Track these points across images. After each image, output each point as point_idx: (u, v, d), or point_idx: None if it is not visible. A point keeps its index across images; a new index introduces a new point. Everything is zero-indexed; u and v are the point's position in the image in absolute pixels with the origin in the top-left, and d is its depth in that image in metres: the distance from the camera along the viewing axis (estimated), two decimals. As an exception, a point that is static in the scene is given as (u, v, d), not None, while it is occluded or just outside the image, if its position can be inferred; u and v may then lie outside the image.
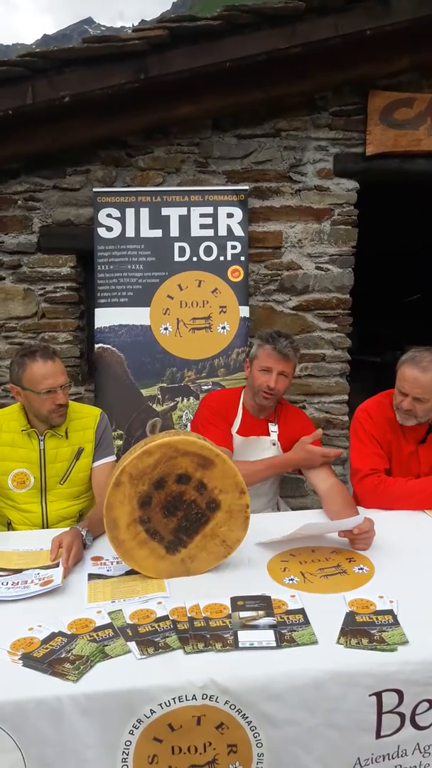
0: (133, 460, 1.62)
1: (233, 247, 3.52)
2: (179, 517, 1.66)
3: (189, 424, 3.39)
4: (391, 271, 8.23)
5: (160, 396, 3.45)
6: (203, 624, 1.44)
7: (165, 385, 3.45)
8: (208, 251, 3.50)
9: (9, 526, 2.22)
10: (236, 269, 3.51)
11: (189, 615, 1.48)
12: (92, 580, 1.69)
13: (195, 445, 1.64)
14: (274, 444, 2.43)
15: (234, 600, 1.54)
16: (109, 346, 3.45)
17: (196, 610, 1.50)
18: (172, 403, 3.46)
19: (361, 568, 1.72)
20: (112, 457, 2.28)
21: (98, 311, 3.47)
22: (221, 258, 3.51)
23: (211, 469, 1.66)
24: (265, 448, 2.44)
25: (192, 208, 3.49)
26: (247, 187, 3.55)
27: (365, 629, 1.40)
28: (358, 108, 3.59)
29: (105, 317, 3.46)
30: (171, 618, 1.47)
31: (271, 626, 1.42)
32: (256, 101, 3.48)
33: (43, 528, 2.19)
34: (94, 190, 3.51)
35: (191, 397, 3.46)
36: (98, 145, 3.59)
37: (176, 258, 3.49)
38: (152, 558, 1.67)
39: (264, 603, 1.52)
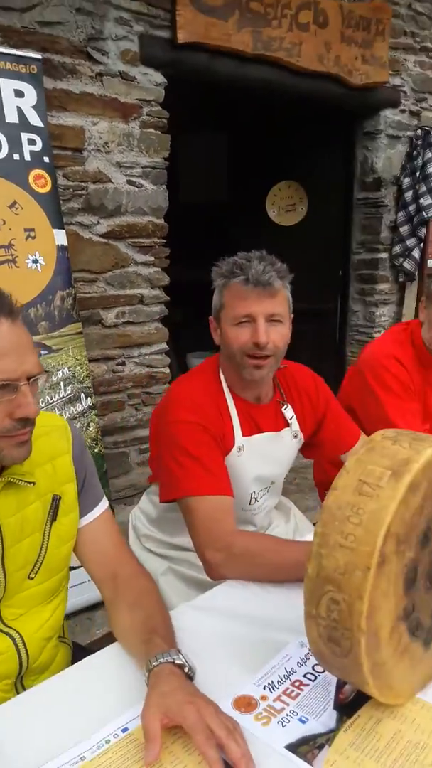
0: (398, 508, 0.80)
1: (31, 142, 2.41)
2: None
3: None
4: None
5: None
6: None
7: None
8: (-3, 145, 2.33)
9: None
10: (41, 175, 2.43)
11: None
12: None
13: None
14: (296, 436, 1.58)
15: None
16: None
17: None
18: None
19: None
20: (105, 502, 1.21)
21: None
22: (16, 157, 2.37)
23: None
24: (287, 446, 1.58)
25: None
26: (39, 56, 2.44)
27: None
28: (166, -23, 2.81)
29: None
30: None
31: None
32: None
33: (18, 675, 1.06)
34: None
35: None
36: None
37: None
38: (409, 671, 0.91)
39: None
